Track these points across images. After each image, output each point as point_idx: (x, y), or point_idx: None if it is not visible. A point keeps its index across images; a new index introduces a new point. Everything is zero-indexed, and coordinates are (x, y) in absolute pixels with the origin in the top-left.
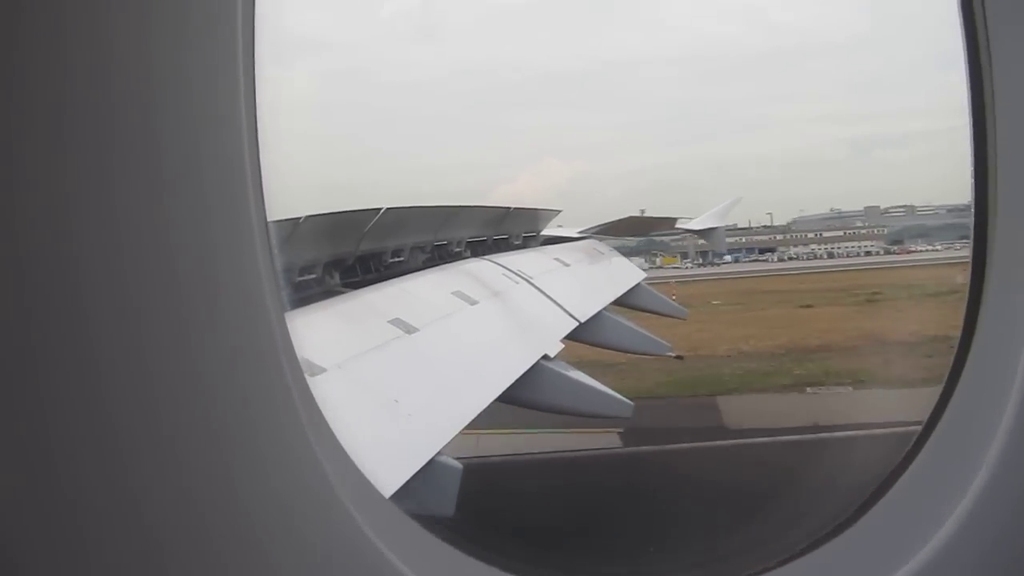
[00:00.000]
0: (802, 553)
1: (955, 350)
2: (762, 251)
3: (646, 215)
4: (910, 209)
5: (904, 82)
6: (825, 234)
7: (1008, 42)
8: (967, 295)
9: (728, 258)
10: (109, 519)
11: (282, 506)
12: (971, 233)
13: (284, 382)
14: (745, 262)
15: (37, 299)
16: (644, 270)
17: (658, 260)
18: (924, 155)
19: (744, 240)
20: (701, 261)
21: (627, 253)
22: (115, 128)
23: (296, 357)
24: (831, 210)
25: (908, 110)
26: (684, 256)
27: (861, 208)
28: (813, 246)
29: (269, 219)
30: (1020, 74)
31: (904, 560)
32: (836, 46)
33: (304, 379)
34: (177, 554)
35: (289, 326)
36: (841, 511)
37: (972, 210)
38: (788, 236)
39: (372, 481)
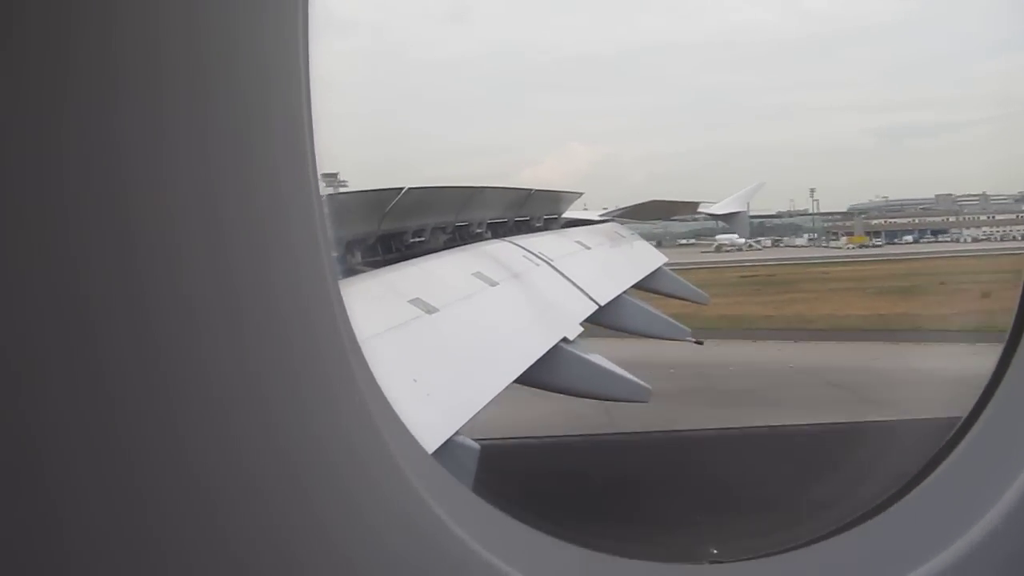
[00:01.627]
0: (834, 534)
1: (1006, 340)
2: (934, 232)
3: (668, 199)
4: (984, 197)
5: (941, 70)
6: (950, 219)
7: None
8: (1021, 295)
9: (908, 238)
10: (167, 491)
11: (338, 469)
12: None
13: (342, 348)
14: (924, 242)
15: (92, 272)
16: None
17: (842, 240)
18: (958, 144)
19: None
20: (882, 242)
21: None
22: (165, 107)
23: (351, 323)
24: (882, 198)
25: (943, 99)
26: (875, 235)
27: (931, 196)
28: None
29: (323, 192)
30: None
31: (937, 550)
32: (871, 32)
33: (359, 344)
34: (233, 519)
35: (344, 295)
36: (881, 493)
37: None
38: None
39: (424, 445)
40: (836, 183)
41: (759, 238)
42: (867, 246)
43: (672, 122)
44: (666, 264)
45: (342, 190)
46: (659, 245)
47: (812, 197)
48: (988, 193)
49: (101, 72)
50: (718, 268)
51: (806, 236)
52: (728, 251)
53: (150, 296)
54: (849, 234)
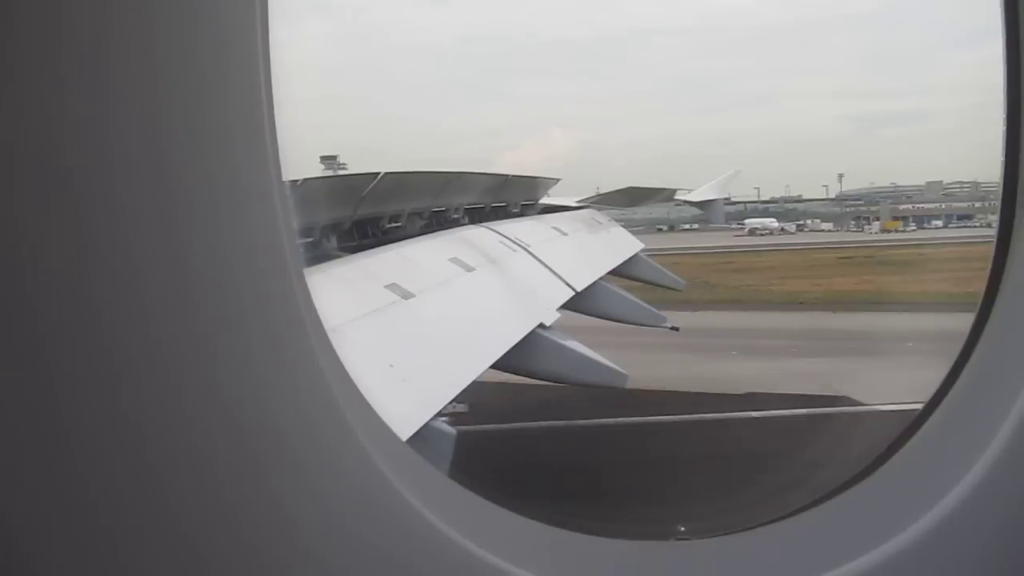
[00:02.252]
0: (799, 511)
1: (971, 324)
2: (960, 217)
3: (644, 186)
4: (975, 185)
5: (916, 59)
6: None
7: None
8: (988, 273)
9: (937, 223)
10: (128, 488)
11: (302, 454)
12: (997, 218)
13: (307, 337)
14: (953, 227)
15: (43, 277)
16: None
17: (874, 224)
18: (933, 132)
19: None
20: (915, 227)
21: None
22: (119, 96)
23: (317, 312)
24: (870, 184)
25: (918, 87)
26: (904, 220)
27: (921, 183)
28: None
29: (285, 178)
30: None
31: (902, 527)
32: (851, 20)
33: (326, 334)
34: (193, 511)
35: (309, 284)
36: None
37: (1000, 201)
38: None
39: (392, 428)
40: (815, 171)
41: (787, 224)
42: (900, 231)
43: (653, 108)
44: (643, 251)
45: (341, 172)
46: (671, 229)
47: (839, 182)
48: (979, 181)
49: (47, 68)
50: (788, 251)
51: (828, 222)
52: (762, 235)
53: (103, 286)
54: (877, 219)
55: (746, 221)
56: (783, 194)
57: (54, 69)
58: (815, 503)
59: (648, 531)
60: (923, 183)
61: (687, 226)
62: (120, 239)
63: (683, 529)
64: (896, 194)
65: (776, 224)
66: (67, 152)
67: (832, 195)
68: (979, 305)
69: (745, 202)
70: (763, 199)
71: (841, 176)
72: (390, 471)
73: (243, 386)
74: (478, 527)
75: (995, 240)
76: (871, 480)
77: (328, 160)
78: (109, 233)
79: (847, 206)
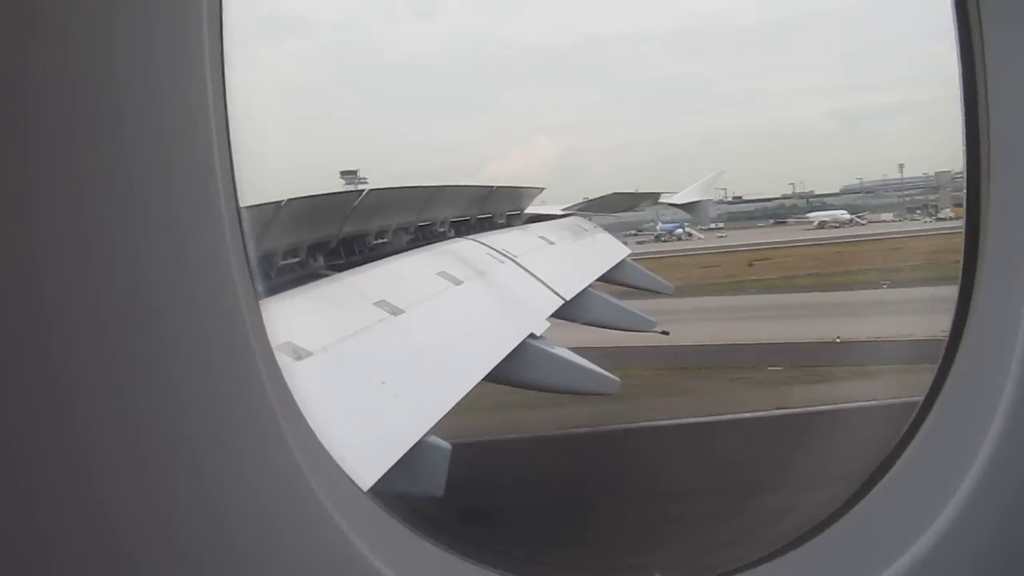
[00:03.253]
0: (790, 548)
1: (946, 340)
2: None
3: (629, 191)
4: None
5: (893, 53)
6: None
7: (1002, 41)
8: (959, 283)
9: None
10: (74, 518)
11: (255, 501)
12: (964, 223)
13: (256, 372)
14: None
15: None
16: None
17: (945, 212)
18: (914, 125)
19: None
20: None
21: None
22: (79, 115)
23: (269, 345)
24: (882, 177)
25: (897, 81)
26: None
27: (926, 174)
28: None
29: (241, 205)
30: (1014, 72)
31: (894, 557)
32: (826, 17)
33: (278, 368)
34: (146, 553)
35: (263, 314)
36: (830, 505)
37: (964, 201)
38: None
39: (348, 472)
40: (807, 166)
41: (859, 214)
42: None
43: (637, 112)
44: (630, 256)
45: (362, 187)
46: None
47: (900, 172)
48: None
49: (11, 88)
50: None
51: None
52: (833, 228)
53: (57, 314)
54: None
55: (811, 215)
56: (791, 190)
57: (23, 112)
58: (803, 538)
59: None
60: (931, 173)
61: (760, 223)
62: (75, 261)
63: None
64: (908, 185)
65: (847, 216)
66: (26, 169)
67: (837, 189)
68: (950, 330)
69: (760, 200)
70: (774, 196)
71: (901, 168)
72: (344, 520)
73: (202, 430)
74: (416, 567)
75: (964, 242)
76: (859, 509)
77: (348, 175)
78: (64, 252)
79: (903, 196)
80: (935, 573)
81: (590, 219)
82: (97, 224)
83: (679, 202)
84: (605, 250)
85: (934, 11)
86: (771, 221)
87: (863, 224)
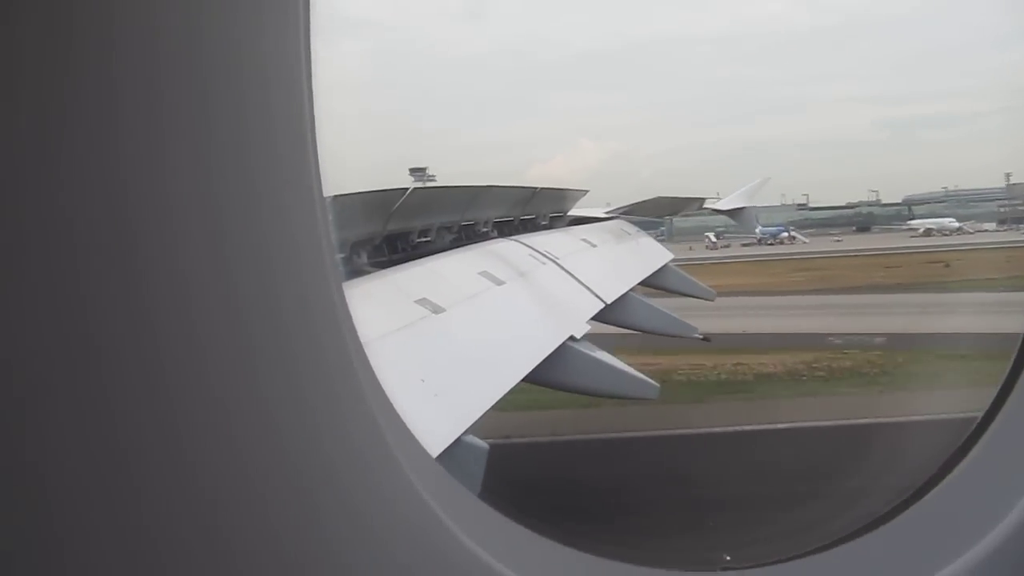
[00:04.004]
0: (848, 539)
1: (1018, 346)
2: None
3: (673, 196)
4: None
5: (950, 62)
6: None
7: None
8: None
9: None
10: (170, 495)
11: (341, 473)
12: None
13: (346, 351)
14: None
15: (94, 277)
16: None
17: None
18: (973, 135)
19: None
20: None
21: None
22: (165, 109)
23: (355, 326)
24: (942, 189)
25: (954, 91)
26: None
27: (1000, 186)
28: None
29: (327, 194)
30: None
31: (955, 555)
32: (882, 24)
33: (363, 348)
34: (236, 524)
35: (348, 297)
36: (891, 500)
37: None
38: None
39: (432, 455)
40: (854, 175)
41: (964, 223)
42: None
43: (683, 117)
44: (672, 261)
45: (429, 184)
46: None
47: (1008, 180)
48: None
49: (101, 77)
50: None
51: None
52: (940, 236)
53: (152, 302)
54: None
55: (912, 222)
56: (858, 199)
57: (110, 108)
58: (863, 530)
59: (691, 559)
60: (1002, 184)
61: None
62: (166, 250)
63: (729, 558)
64: (974, 196)
65: (955, 224)
66: (117, 160)
67: (899, 199)
68: (1008, 369)
69: (825, 208)
70: (841, 204)
71: (1008, 177)
72: (425, 490)
73: (283, 401)
74: (515, 553)
75: None
76: (921, 505)
77: (417, 172)
78: (156, 243)
79: (1000, 205)
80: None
81: (639, 223)
82: (185, 214)
83: (723, 208)
84: (648, 254)
85: (990, 21)
86: (852, 228)
87: (971, 233)
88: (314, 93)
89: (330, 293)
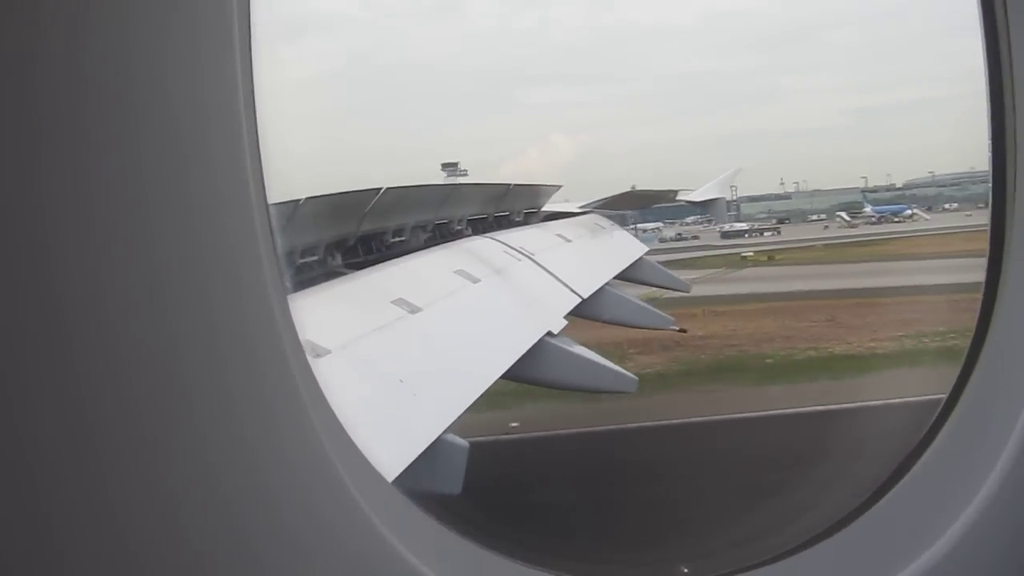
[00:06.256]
0: (808, 544)
1: (970, 341)
2: None
3: (646, 189)
4: None
5: (914, 50)
6: None
7: None
8: (984, 282)
9: None
10: (109, 513)
11: (285, 491)
12: (988, 223)
13: (287, 367)
14: None
15: (8, 287)
16: None
17: None
18: (939, 121)
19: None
20: None
21: None
22: (90, 114)
23: (299, 341)
24: (929, 173)
25: (917, 77)
26: None
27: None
28: None
29: (269, 202)
30: None
31: (914, 556)
32: (850, 17)
33: (307, 363)
34: (160, 544)
35: (292, 310)
36: (852, 501)
37: (990, 202)
38: None
39: (375, 465)
40: (829, 162)
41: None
42: None
43: (655, 110)
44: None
45: (462, 180)
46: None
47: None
48: None
49: (25, 84)
50: None
51: None
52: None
53: (70, 311)
54: None
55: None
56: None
57: (28, 80)
58: (820, 536)
59: (649, 573)
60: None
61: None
62: (91, 256)
63: (686, 571)
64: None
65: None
66: (40, 166)
67: (899, 183)
68: (975, 328)
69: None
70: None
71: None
72: (373, 512)
73: (218, 415)
74: (463, 571)
75: (989, 244)
76: (878, 508)
77: (449, 167)
78: (82, 249)
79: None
80: (955, 573)
81: (613, 216)
82: (131, 219)
83: (697, 199)
84: (622, 248)
85: (956, 9)
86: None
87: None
88: (255, 95)
89: (270, 305)
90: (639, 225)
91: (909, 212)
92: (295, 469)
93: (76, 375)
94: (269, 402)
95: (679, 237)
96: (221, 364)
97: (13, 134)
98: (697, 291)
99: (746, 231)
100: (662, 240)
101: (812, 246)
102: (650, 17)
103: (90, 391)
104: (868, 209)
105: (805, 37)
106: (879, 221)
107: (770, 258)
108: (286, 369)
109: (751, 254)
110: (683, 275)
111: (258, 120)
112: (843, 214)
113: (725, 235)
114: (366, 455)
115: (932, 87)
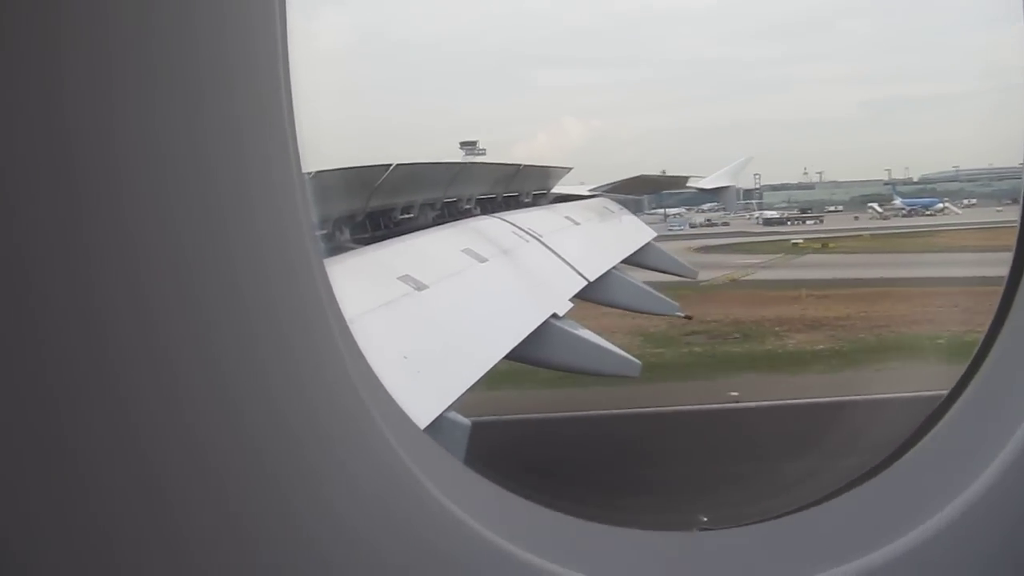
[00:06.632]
0: (822, 500)
1: (993, 315)
2: None
3: (656, 174)
4: None
5: (934, 43)
6: None
7: None
8: (1009, 269)
9: None
10: (131, 488)
11: (328, 444)
12: (1020, 213)
13: (329, 329)
14: None
15: (47, 275)
16: None
17: None
18: (956, 116)
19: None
20: None
21: None
22: (156, 83)
23: (337, 302)
24: (954, 168)
25: (937, 71)
26: None
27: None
28: None
29: (304, 171)
30: None
31: (925, 517)
32: (872, 5)
33: (346, 322)
34: (236, 485)
35: (328, 274)
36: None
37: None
38: None
39: (409, 414)
40: (842, 154)
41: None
42: None
43: (667, 96)
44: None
45: (480, 159)
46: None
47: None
48: None
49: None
50: None
51: None
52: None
53: (107, 281)
54: None
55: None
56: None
57: (55, 67)
58: (836, 492)
59: (670, 521)
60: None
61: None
62: (126, 234)
63: (705, 519)
64: (992, 173)
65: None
66: (71, 147)
67: (916, 177)
68: (997, 305)
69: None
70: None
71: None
72: (412, 462)
73: (264, 380)
74: (499, 517)
75: (1016, 241)
76: (890, 472)
77: (468, 145)
78: (114, 226)
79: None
80: (953, 547)
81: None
82: (177, 190)
83: (707, 186)
84: (630, 232)
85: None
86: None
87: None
88: (291, 73)
89: (311, 272)
90: (668, 210)
91: (940, 206)
92: (338, 428)
93: (114, 356)
94: (313, 364)
95: (709, 223)
96: (272, 326)
97: (42, 118)
98: (772, 275)
99: (786, 219)
100: (692, 226)
101: (859, 235)
102: (665, 2)
103: (129, 368)
104: (897, 201)
105: (821, 26)
106: (909, 214)
107: (824, 246)
108: (329, 331)
109: (801, 242)
110: (740, 259)
111: (292, 94)
112: (875, 205)
113: (767, 222)
114: (403, 409)
115: (949, 82)
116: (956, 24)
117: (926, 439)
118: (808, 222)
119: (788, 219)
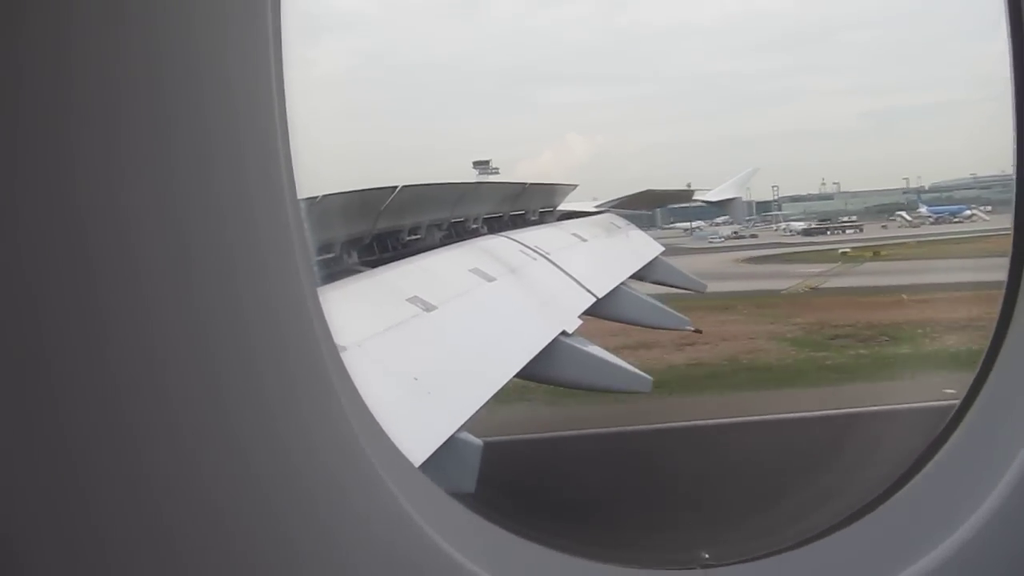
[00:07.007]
0: (825, 533)
1: (991, 335)
2: None
3: (663, 188)
4: None
5: (933, 53)
6: None
7: None
8: (1007, 275)
9: None
10: (125, 509)
11: (319, 480)
12: (1012, 222)
13: (319, 356)
14: None
15: (47, 287)
16: None
17: None
18: (956, 125)
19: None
20: None
21: None
22: (165, 110)
23: (330, 331)
24: (971, 175)
25: (937, 81)
26: None
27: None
28: None
29: (299, 196)
30: None
31: (930, 547)
32: (871, 17)
33: (338, 352)
34: (192, 536)
35: (322, 301)
36: (870, 491)
37: (1013, 203)
38: None
39: (404, 453)
40: (849, 165)
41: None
42: None
43: (671, 111)
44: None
45: (493, 178)
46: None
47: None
48: None
49: (57, 86)
50: None
51: None
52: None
53: (107, 297)
54: None
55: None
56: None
57: (61, 73)
58: (840, 525)
59: (671, 559)
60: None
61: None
62: (125, 251)
63: (707, 556)
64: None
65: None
66: (72, 160)
67: (927, 185)
68: (995, 326)
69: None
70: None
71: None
72: (403, 497)
73: (251, 407)
74: (495, 556)
75: (1011, 251)
76: (895, 500)
77: (481, 165)
78: (114, 244)
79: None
80: (964, 571)
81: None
82: (183, 208)
83: (714, 199)
84: (638, 247)
85: (979, 12)
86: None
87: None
88: (285, 94)
89: (303, 300)
90: (693, 223)
91: (969, 212)
92: (327, 459)
93: (110, 372)
94: (301, 395)
95: (736, 235)
96: (251, 355)
97: (44, 129)
98: (846, 282)
99: (825, 228)
100: (723, 238)
101: (904, 243)
102: (667, 17)
103: (124, 386)
104: (923, 209)
105: (824, 38)
106: (937, 221)
107: (876, 254)
108: (318, 359)
109: (849, 250)
110: (799, 269)
111: (288, 114)
112: (903, 214)
113: (807, 232)
114: (395, 442)
115: (954, 90)
116: (953, 34)
117: (928, 466)
118: (848, 231)
119: (827, 228)
